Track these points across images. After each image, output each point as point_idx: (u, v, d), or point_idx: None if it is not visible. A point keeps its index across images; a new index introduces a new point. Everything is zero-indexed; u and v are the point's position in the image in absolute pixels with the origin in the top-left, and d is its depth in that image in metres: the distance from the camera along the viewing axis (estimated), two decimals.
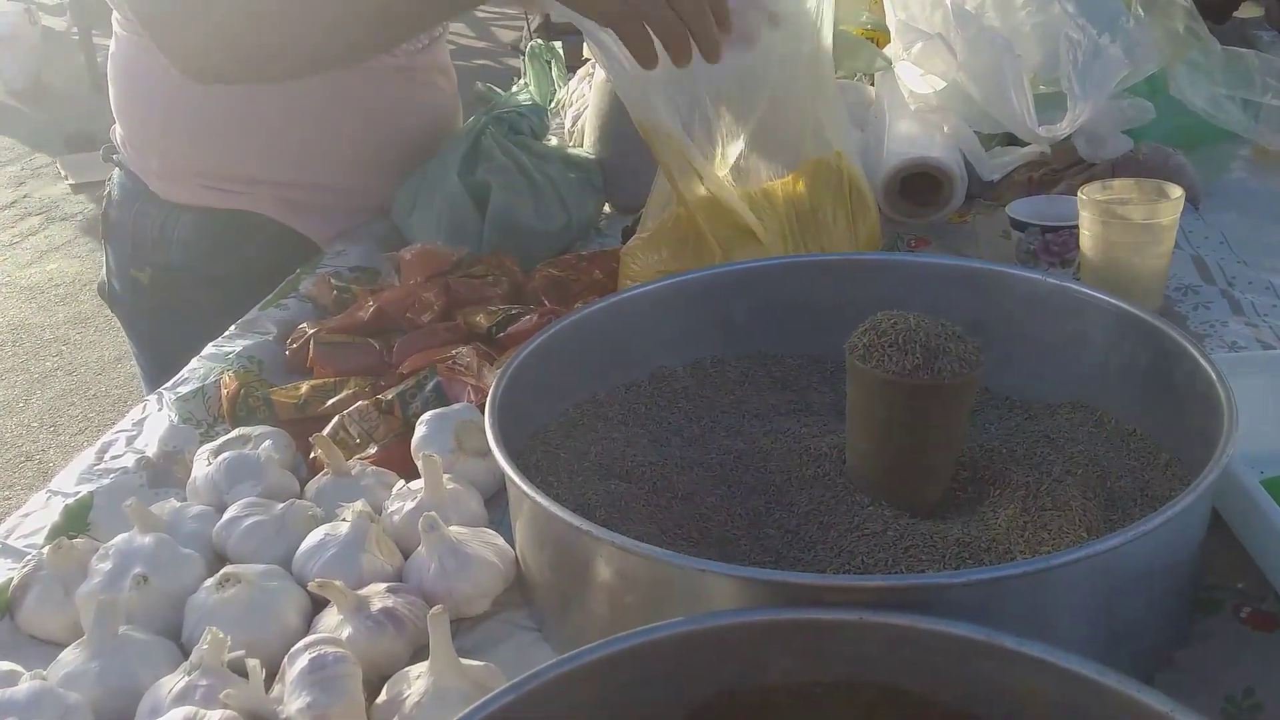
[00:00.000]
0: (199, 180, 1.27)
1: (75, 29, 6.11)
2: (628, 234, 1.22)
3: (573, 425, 0.85)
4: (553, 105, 1.59)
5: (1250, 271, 1.14)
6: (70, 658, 0.68)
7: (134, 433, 0.95)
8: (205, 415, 0.98)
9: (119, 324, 1.42)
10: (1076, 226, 1.06)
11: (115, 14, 1.27)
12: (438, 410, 0.88)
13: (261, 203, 1.29)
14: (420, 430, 0.86)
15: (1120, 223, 1.02)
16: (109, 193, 1.36)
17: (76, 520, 0.84)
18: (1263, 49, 1.64)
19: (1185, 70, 1.28)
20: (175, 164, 1.28)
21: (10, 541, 0.83)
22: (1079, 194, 1.04)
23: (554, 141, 1.38)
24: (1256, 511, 0.69)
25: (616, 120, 1.38)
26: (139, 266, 1.31)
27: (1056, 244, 1.10)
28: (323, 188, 1.31)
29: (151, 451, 0.91)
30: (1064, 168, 1.28)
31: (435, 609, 0.64)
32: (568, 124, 1.56)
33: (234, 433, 0.90)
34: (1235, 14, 1.86)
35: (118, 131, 1.33)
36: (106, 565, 0.74)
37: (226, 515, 0.80)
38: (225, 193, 1.28)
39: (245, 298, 1.19)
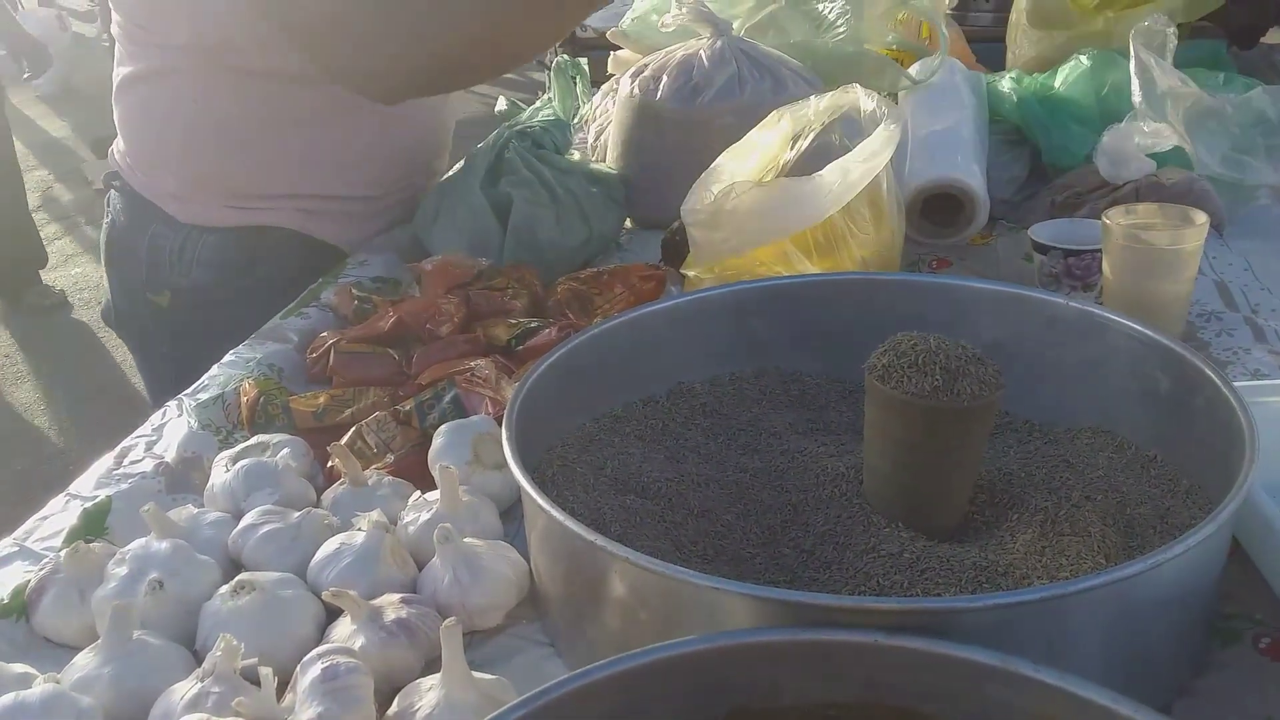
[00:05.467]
0: (220, 200, 1.27)
1: (105, 35, 6.18)
2: (669, 244, 1.22)
3: (590, 439, 0.85)
4: (576, 120, 1.59)
5: (1274, 299, 1.13)
6: (84, 662, 0.68)
7: (153, 438, 0.95)
8: (224, 422, 0.99)
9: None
10: (1099, 251, 1.06)
11: (123, 42, 1.26)
12: (455, 422, 0.88)
13: (283, 216, 1.29)
14: (437, 441, 0.86)
15: (1144, 248, 1.01)
16: (110, 220, 1.34)
17: (94, 524, 0.84)
18: None
19: (1202, 137, 1.27)
20: (194, 186, 1.27)
21: (29, 544, 0.83)
22: (1103, 218, 1.03)
23: (577, 156, 1.39)
24: (1277, 541, 0.69)
25: (639, 135, 1.38)
26: (156, 290, 1.30)
27: (1079, 268, 1.09)
28: (341, 198, 1.31)
29: (170, 457, 0.92)
30: (1087, 191, 1.27)
31: (448, 621, 0.64)
32: (591, 139, 1.57)
33: (252, 440, 0.91)
34: (1262, 40, 1.85)
35: (123, 158, 1.32)
36: (123, 570, 0.74)
37: (243, 522, 0.80)
38: (247, 210, 1.28)
39: (270, 307, 1.19)
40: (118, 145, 1.33)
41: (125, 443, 0.95)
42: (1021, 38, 1.66)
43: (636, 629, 0.64)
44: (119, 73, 1.29)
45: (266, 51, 1.18)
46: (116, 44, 1.29)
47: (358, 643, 0.68)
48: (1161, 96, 1.24)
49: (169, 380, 1.28)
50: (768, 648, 0.55)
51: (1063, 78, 1.44)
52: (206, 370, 1.07)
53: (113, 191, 1.34)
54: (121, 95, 1.30)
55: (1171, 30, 1.28)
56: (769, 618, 0.58)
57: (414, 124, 1.34)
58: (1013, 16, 1.70)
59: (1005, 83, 1.48)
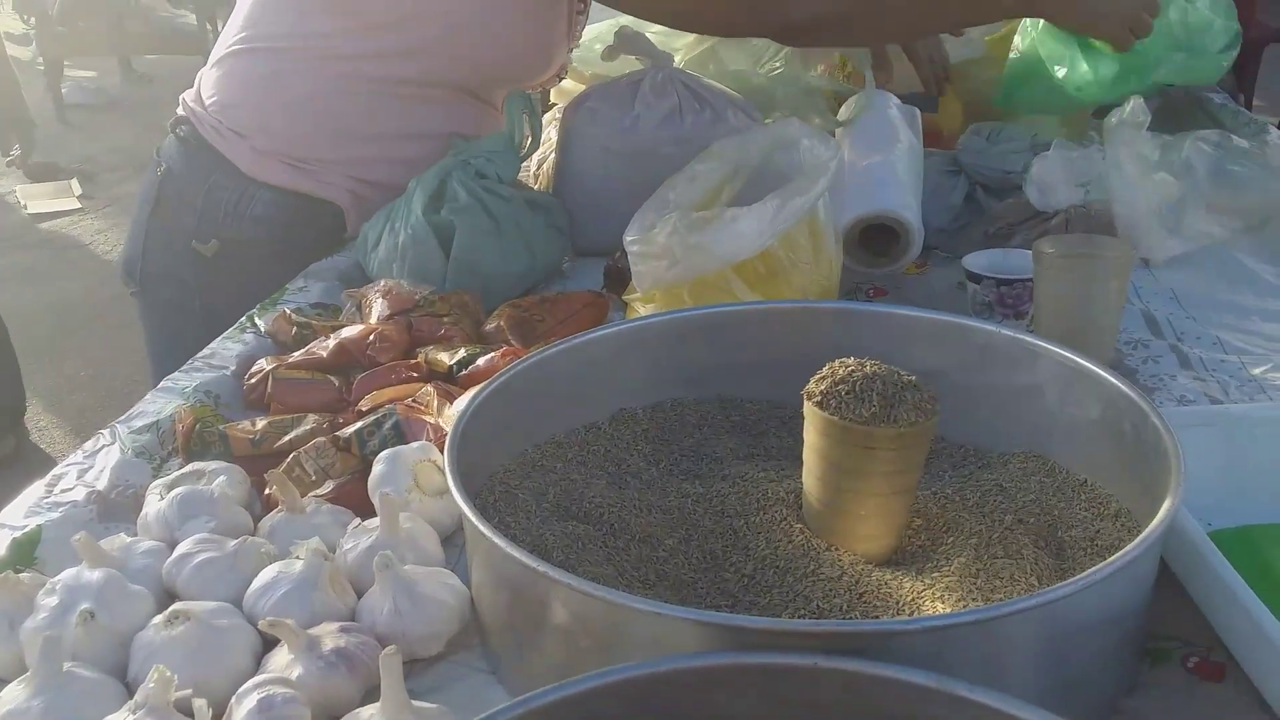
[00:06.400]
0: (280, 158, 1.36)
1: (40, 59, 6.08)
2: (611, 272, 1.23)
3: (532, 465, 0.85)
4: (524, 153, 1.59)
5: (1199, 327, 1.17)
6: (13, 694, 0.66)
7: (85, 465, 0.94)
8: (159, 450, 0.97)
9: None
10: (1031, 280, 1.08)
11: (251, 24, 1.36)
12: (396, 448, 0.88)
13: (333, 190, 1.38)
14: (378, 468, 0.86)
15: (1073, 277, 1.03)
16: (164, 169, 1.40)
17: (24, 554, 0.82)
18: (1213, 111, 1.68)
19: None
20: (270, 147, 1.35)
21: None
22: (1034, 248, 1.06)
23: (519, 184, 1.39)
24: (1203, 563, 0.70)
25: (582, 164, 1.39)
26: (203, 239, 1.36)
27: (1011, 296, 1.12)
28: (384, 185, 1.38)
29: (102, 485, 0.90)
30: (1019, 221, 1.30)
31: (388, 650, 0.63)
32: (533, 167, 1.57)
33: (188, 468, 0.90)
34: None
35: (199, 105, 1.39)
36: (53, 600, 0.73)
37: (177, 551, 0.79)
38: (304, 171, 1.36)
39: (296, 272, 1.30)
40: (198, 96, 1.41)
41: (56, 470, 0.93)
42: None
43: (578, 655, 0.64)
44: (230, 42, 1.39)
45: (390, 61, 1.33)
46: (237, 12, 1.39)
47: (295, 673, 0.67)
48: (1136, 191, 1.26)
49: (187, 338, 1.30)
50: (709, 672, 0.55)
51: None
52: (225, 328, 1.13)
53: (170, 140, 1.41)
54: (231, 60, 1.39)
55: (1145, 118, 1.30)
56: (710, 642, 0.59)
57: (458, 126, 1.41)
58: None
59: None
